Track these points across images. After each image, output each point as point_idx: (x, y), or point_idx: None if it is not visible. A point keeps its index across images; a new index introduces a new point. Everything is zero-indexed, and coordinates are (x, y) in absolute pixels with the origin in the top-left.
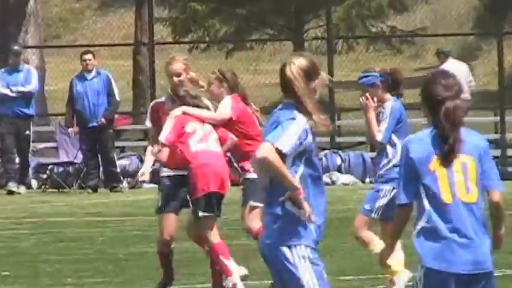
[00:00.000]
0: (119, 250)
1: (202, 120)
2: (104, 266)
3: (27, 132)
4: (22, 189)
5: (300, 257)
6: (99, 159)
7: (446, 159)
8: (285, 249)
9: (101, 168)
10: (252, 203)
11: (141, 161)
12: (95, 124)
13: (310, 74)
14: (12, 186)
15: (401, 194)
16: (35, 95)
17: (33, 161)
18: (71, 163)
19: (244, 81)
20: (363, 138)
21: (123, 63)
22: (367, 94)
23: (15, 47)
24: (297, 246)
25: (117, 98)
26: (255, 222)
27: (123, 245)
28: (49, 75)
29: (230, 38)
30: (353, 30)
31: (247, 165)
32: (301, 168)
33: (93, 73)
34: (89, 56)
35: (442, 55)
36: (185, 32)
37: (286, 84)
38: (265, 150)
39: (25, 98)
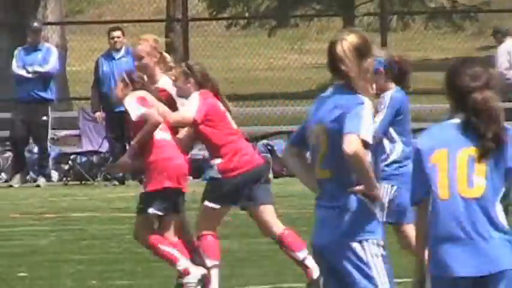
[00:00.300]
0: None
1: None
2: (132, 267)
3: (45, 117)
4: (41, 181)
5: (373, 254)
6: (127, 147)
7: (482, 157)
8: (355, 245)
9: None
10: (207, 203)
11: None
12: (122, 109)
13: (362, 51)
14: (14, 181)
15: (411, 191)
16: (53, 76)
17: (53, 150)
18: (95, 152)
19: (288, 61)
20: (422, 124)
21: None
22: None
23: (35, 24)
24: (369, 241)
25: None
26: (204, 229)
27: None
28: (71, 55)
29: (273, 13)
30: (409, 5)
31: (213, 161)
32: (368, 157)
33: (122, 52)
34: (117, 33)
35: (499, 34)
36: (223, 7)
37: (336, 63)
38: (355, 144)
39: (42, 79)
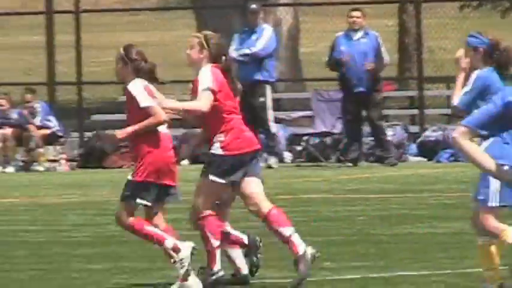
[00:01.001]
0: (381, 231)
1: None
2: (365, 249)
3: (262, 99)
4: (272, 161)
5: None
6: (362, 129)
7: None
8: None
9: (363, 139)
10: (211, 177)
11: (406, 131)
12: (361, 89)
13: None
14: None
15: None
16: (266, 57)
17: (287, 132)
18: (328, 133)
19: None
20: None
21: (387, 23)
22: (464, 53)
23: (253, 6)
24: None
25: (386, 58)
26: (205, 208)
27: (387, 225)
28: (304, 36)
29: None
30: None
31: (215, 138)
32: None
33: (361, 33)
34: (357, 14)
35: None
36: None
37: None
38: None
39: (257, 61)
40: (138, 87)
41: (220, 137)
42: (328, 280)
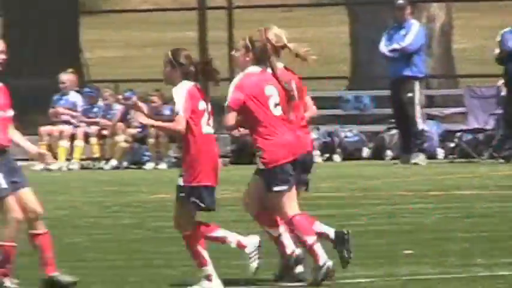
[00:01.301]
0: None
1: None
2: None
3: (410, 94)
4: (420, 159)
5: None
6: None
7: None
8: None
9: None
10: (274, 188)
11: None
12: None
13: None
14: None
15: None
16: (414, 52)
17: (439, 128)
18: (481, 130)
19: None
20: None
21: None
22: None
23: (399, 1)
24: None
25: None
26: (289, 212)
27: None
28: (457, 32)
29: None
30: None
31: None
32: None
33: None
34: None
35: None
36: None
37: None
38: None
39: (405, 56)
40: (180, 92)
41: (259, 153)
42: (479, 276)
